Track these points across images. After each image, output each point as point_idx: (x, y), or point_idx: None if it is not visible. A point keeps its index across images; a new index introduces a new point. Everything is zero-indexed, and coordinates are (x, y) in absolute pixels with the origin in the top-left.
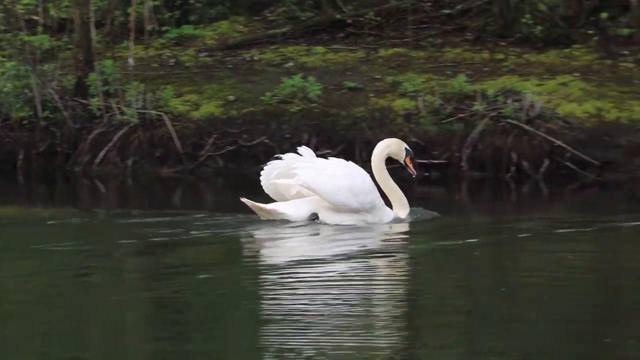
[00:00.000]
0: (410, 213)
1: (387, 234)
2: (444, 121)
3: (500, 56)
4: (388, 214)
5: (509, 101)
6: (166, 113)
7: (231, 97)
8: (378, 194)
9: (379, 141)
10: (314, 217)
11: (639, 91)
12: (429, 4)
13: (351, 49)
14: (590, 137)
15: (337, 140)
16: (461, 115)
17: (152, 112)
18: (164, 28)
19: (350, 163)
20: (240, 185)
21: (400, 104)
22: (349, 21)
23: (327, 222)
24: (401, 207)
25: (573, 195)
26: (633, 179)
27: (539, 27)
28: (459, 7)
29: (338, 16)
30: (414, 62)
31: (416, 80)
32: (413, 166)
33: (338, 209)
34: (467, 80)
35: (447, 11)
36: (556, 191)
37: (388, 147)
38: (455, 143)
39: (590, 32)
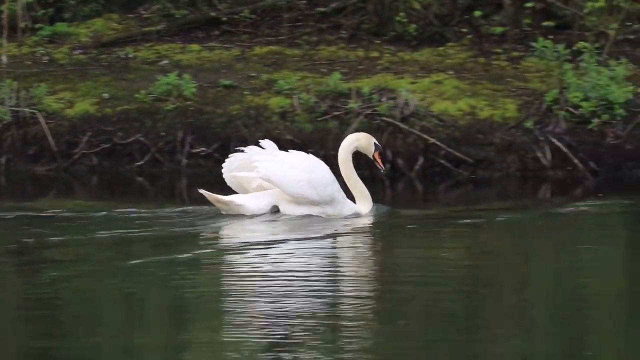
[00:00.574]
0: (373, 209)
1: (338, 229)
2: (319, 119)
3: (375, 54)
4: (349, 207)
5: (384, 99)
6: (40, 111)
7: (106, 95)
8: (338, 187)
9: (254, 139)
10: (275, 210)
11: (512, 89)
12: (304, 2)
13: (226, 47)
14: (464, 135)
15: (213, 139)
16: (336, 113)
17: (25, 109)
18: (37, 25)
19: (310, 156)
20: (115, 183)
21: (276, 102)
22: (224, 19)
23: (288, 214)
24: (364, 202)
25: (447, 193)
26: (506, 177)
27: (413, 26)
28: (333, 5)
29: (213, 14)
30: (289, 60)
31: (291, 78)
32: (382, 161)
33: (298, 201)
34: (342, 78)
35: (321, 9)
36: (430, 189)
37: (357, 140)
38: (330, 141)
39: (464, 30)
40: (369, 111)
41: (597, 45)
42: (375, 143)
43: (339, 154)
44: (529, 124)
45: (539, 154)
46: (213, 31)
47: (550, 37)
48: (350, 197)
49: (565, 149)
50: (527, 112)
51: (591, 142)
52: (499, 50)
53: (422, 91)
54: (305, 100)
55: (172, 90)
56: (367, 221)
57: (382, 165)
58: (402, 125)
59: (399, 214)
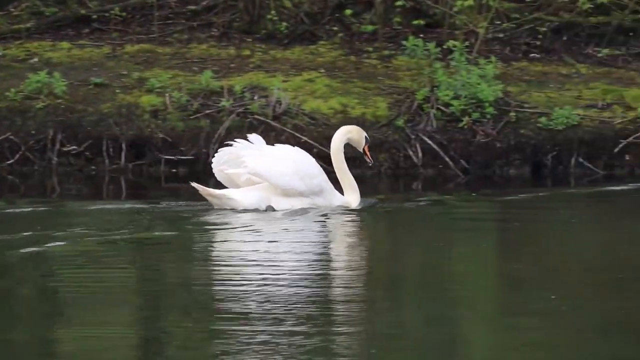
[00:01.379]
0: (361, 201)
1: (332, 222)
2: (191, 117)
3: (247, 52)
4: (338, 198)
5: (256, 97)
6: None
7: None
8: (325, 177)
9: (125, 138)
10: (270, 210)
11: (383, 88)
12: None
13: (97, 44)
14: None
15: (84, 137)
16: (208, 111)
17: None
18: None
19: (296, 148)
20: None
21: (147, 100)
22: (94, 17)
23: (280, 208)
24: (352, 194)
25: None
26: (378, 175)
27: (284, 24)
28: (204, 3)
29: (83, 11)
30: (161, 58)
31: (163, 76)
32: (370, 155)
33: (287, 193)
34: (214, 76)
35: (192, 7)
36: None
37: (349, 132)
38: (202, 139)
39: (335, 29)
40: (241, 109)
41: (467, 43)
42: (365, 137)
43: (331, 146)
44: (400, 123)
45: (411, 152)
46: (83, 29)
47: (420, 35)
48: (339, 189)
49: (436, 147)
50: (398, 110)
51: (462, 140)
52: (369, 49)
53: (293, 89)
54: (177, 99)
55: (43, 88)
56: (358, 212)
57: (371, 158)
58: (274, 124)
59: (384, 206)
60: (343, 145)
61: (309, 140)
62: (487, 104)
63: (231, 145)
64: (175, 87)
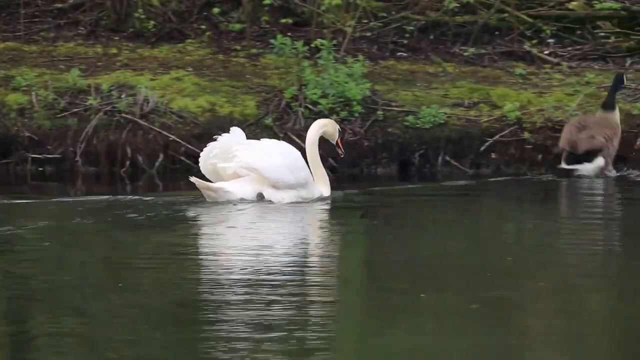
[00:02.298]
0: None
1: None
2: (58, 115)
3: (114, 51)
4: (317, 190)
5: (123, 96)
6: None
7: None
8: (309, 170)
9: None
10: (260, 197)
11: (252, 86)
12: None
13: None
14: (204, 132)
15: None
16: (75, 110)
17: None
18: None
19: (282, 142)
20: None
21: (14, 99)
22: None
23: (271, 200)
24: (324, 185)
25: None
26: None
27: (152, 22)
28: (71, 1)
29: None
30: (27, 57)
31: (29, 74)
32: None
33: (277, 185)
34: (81, 74)
35: (59, 5)
36: (172, 185)
37: (325, 126)
38: (69, 138)
39: (203, 27)
40: (108, 108)
41: (334, 42)
42: (339, 129)
43: (307, 138)
44: (268, 121)
45: None
46: None
47: (288, 34)
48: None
49: (304, 145)
50: (266, 109)
51: None
52: (237, 48)
53: (161, 88)
54: (44, 97)
55: None
56: (336, 204)
57: (343, 150)
58: (141, 122)
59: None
60: (318, 138)
61: (177, 139)
62: (354, 103)
63: (216, 140)
64: (42, 85)
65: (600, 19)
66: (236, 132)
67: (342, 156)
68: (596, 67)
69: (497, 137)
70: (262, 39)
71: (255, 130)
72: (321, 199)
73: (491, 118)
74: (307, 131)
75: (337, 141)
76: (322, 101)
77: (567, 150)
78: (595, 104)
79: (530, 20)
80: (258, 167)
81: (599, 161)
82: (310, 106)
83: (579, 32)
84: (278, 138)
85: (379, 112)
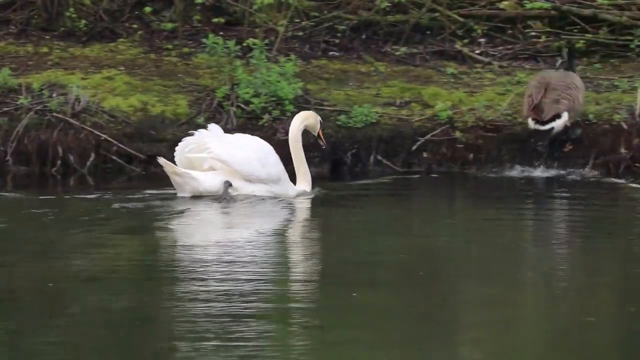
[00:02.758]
0: (313, 190)
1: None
2: None
3: (45, 50)
4: (293, 187)
5: (55, 95)
6: None
7: None
8: (283, 167)
9: None
10: (228, 185)
11: (184, 85)
12: None
13: None
14: (136, 131)
15: None
16: (6, 109)
17: None
18: None
19: (256, 137)
20: None
21: None
22: None
23: (239, 192)
24: (306, 182)
25: (120, 186)
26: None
27: (84, 21)
28: (1, 0)
29: None
30: None
31: None
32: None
33: (248, 179)
34: (12, 73)
35: None
36: (102, 184)
37: (306, 119)
38: (0, 137)
39: (135, 26)
40: (39, 107)
41: (267, 42)
42: (320, 121)
43: (289, 133)
44: (200, 120)
45: None
46: None
47: (220, 33)
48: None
49: None
50: (198, 108)
51: (262, 137)
52: (169, 47)
53: (93, 87)
54: None
55: None
56: (314, 200)
57: (324, 141)
58: (73, 122)
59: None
60: (301, 132)
61: (108, 138)
62: (287, 102)
63: (193, 134)
64: None
65: (530, 18)
66: (213, 128)
67: (324, 147)
68: (527, 66)
69: (428, 136)
70: (194, 38)
71: (187, 129)
72: (298, 195)
73: (423, 117)
74: (239, 130)
75: (318, 133)
76: (255, 100)
77: (532, 116)
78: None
79: (461, 19)
80: (228, 159)
81: (565, 117)
82: (242, 105)
83: (509, 31)
84: None
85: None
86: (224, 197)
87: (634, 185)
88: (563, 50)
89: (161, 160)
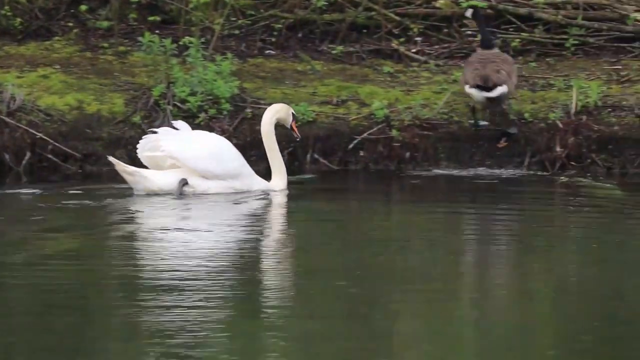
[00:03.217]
0: (287, 185)
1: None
2: None
3: None
4: (258, 182)
5: None
6: None
7: None
8: (244, 162)
9: None
10: (184, 182)
11: (120, 84)
12: None
13: None
14: (72, 130)
15: None
16: None
17: None
18: None
19: (213, 134)
20: None
21: None
22: None
23: (196, 189)
24: (280, 177)
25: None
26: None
27: (19, 19)
28: None
29: None
30: None
31: None
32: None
33: (204, 176)
34: None
35: None
36: (38, 183)
37: (278, 112)
38: None
39: (70, 24)
40: None
41: (203, 40)
42: (292, 113)
43: (262, 126)
44: (136, 119)
45: None
46: None
47: (156, 32)
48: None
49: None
50: (134, 106)
51: None
52: (105, 45)
53: (28, 85)
54: None
55: None
56: (280, 197)
57: (298, 133)
58: (8, 120)
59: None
60: (274, 125)
61: (44, 137)
62: (223, 101)
63: (156, 132)
64: None
65: (466, 17)
66: (181, 126)
67: (297, 139)
68: (463, 65)
69: (365, 135)
70: (130, 37)
71: (123, 128)
72: (268, 191)
73: (359, 116)
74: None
75: (291, 125)
76: (191, 99)
77: (478, 85)
78: (462, 102)
79: (397, 18)
80: (179, 156)
81: (504, 88)
82: (178, 104)
83: (445, 30)
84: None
85: (248, 110)
86: (178, 195)
87: (568, 181)
88: (467, 10)
89: (111, 159)
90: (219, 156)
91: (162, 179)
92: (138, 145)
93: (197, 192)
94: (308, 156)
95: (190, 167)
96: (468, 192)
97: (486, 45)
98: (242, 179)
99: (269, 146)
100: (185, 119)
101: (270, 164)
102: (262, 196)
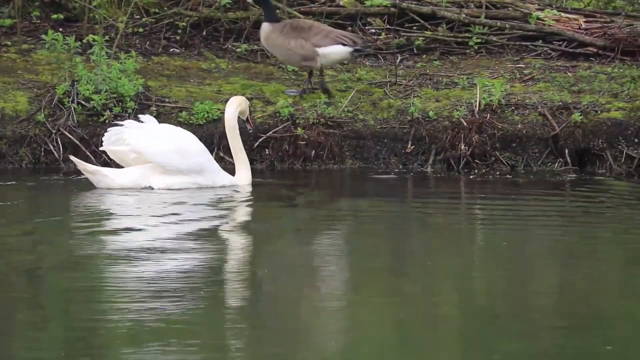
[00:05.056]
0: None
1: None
2: None
3: None
4: (223, 178)
5: None
6: None
7: None
8: (209, 157)
9: None
10: (149, 189)
11: (23, 82)
12: None
13: None
14: None
15: None
16: None
17: None
18: None
19: (179, 128)
20: None
21: None
22: None
23: (159, 186)
24: (244, 172)
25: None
26: (19, 169)
27: None
28: None
29: None
30: None
31: None
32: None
33: (167, 171)
34: None
35: None
36: None
37: (239, 105)
38: None
39: None
40: None
41: (107, 38)
42: (249, 105)
43: (225, 120)
44: (40, 117)
45: (51, 147)
46: None
47: (60, 30)
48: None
49: (77, 142)
50: (38, 104)
51: (103, 134)
52: (8, 43)
53: None
54: None
55: None
56: (243, 192)
57: (252, 125)
58: None
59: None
60: (236, 119)
61: None
62: (128, 99)
63: (121, 125)
64: None
65: (370, 15)
66: (147, 119)
67: (250, 131)
68: (367, 63)
69: (270, 133)
70: (33, 35)
71: (27, 126)
72: (232, 186)
73: (265, 114)
74: (80, 127)
75: (247, 117)
76: (95, 97)
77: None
78: (367, 100)
79: (302, 16)
80: (144, 150)
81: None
82: (83, 102)
83: (350, 28)
84: (50, 134)
85: (152, 109)
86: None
87: (472, 178)
88: None
89: (73, 158)
90: (183, 151)
91: (123, 176)
92: (103, 138)
93: (160, 188)
94: (213, 154)
95: (154, 161)
96: (371, 190)
97: (276, 19)
98: (206, 174)
99: (233, 140)
100: (89, 117)
101: (234, 158)
102: (224, 192)
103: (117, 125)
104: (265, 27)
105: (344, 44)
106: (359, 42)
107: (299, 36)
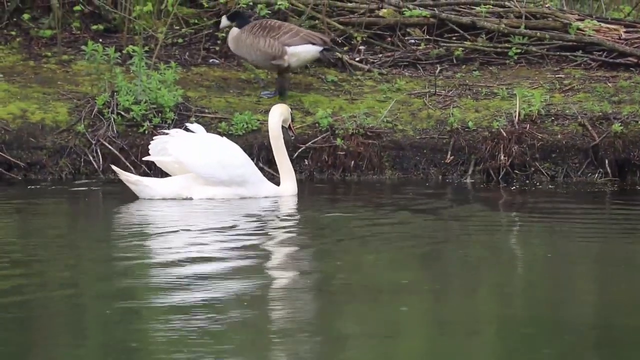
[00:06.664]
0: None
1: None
2: None
3: None
4: (267, 189)
5: None
6: None
7: None
8: (253, 169)
9: None
10: (188, 197)
11: (63, 93)
12: None
13: None
14: (16, 139)
15: None
16: None
17: None
18: None
19: (224, 138)
20: None
21: None
22: None
23: (200, 197)
24: (290, 181)
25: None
26: (59, 180)
27: None
28: None
29: None
30: None
31: None
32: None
33: (209, 182)
34: None
35: None
36: None
37: (282, 113)
38: None
39: (13, 33)
40: None
41: (146, 49)
42: (291, 112)
43: (270, 130)
44: (80, 127)
45: (91, 157)
46: None
47: (100, 40)
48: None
49: (116, 152)
50: (78, 115)
51: (143, 145)
52: (48, 54)
53: None
54: None
55: None
56: (289, 203)
57: (294, 132)
58: None
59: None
60: (281, 128)
61: None
62: (167, 109)
63: (167, 133)
64: None
65: (410, 26)
66: (195, 128)
67: (293, 138)
68: (407, 73)
69: (309, 143)
70: (73, 46)
71: (67, 137)
72: (277, 196)
73: (304, 125)
74: (119, 138)
75: (289, 124)
76: (135, 108)
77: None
78: (406, 110)
79: (341, 27)
80: (186, 161)
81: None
82: (122, 113)
83: (389, 39)
84: (90, 145)
85: (192, 119)
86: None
87: (512, 190)
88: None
89: (115, 168)
90: (226, 162)
91: (164, 188)
92: (149, 147)
93: (202, 198)
94: None
95: (196, 172)
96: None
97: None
98: (248, 186)
99: (277, 150)
100: (129, 127)
101: (279, 168)
102: (267, 203)
103: (163, 134)
104: (234, 30)
105: (313, 43)
106: (328, 41)
107: (268, 35)
